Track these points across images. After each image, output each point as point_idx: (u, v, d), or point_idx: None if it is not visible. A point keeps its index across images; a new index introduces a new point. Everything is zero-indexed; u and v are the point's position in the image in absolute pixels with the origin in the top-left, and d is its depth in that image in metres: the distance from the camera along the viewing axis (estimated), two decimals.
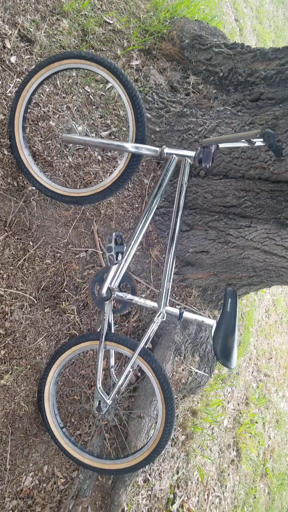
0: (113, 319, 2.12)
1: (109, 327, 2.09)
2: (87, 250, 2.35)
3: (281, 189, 2.33)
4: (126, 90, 1.91)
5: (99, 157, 2.46)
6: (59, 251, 2.23)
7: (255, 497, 5.03)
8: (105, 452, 2.36)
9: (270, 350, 6.12)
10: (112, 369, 2.16)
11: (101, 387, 2.02)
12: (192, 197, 2.63)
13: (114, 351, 2.13)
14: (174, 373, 2.87)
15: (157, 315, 1.97)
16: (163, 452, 3.17)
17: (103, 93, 2.64)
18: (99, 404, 2.02)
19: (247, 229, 2.43)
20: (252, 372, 5.51)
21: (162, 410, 2.00)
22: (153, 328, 2.00)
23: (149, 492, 2.98)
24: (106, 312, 2.04)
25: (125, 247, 1.95)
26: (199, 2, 3.63)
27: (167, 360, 2.66)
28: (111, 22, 2.80)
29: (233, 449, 4.65)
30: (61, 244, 2.25)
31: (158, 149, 1.95)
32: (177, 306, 2.84)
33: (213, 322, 1.95)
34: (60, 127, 2.28)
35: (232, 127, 2.47)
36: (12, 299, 2.05)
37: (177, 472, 3.44)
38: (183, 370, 2.92)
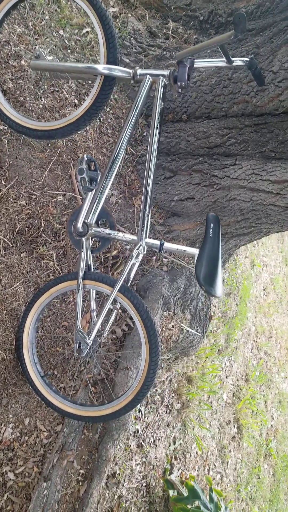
0: (93, 260, 2.01)
1: (88, 267, 1.98)
2: (65, 194, 2.24)
3: (265, 121, 2.22)
4: (95, 10, 1.80)
5: (76, 100, 2.36)
6: (35, 193, 2.13)
7: (259, 477, 4.90)
8: (89, 401, 2.25)
9: (270, 329, 6.00)
10: (93, 313, 2.05)
11: (80, 326, 1.90)
12: (175, 142, 2.53)
13: (95, 291, 2.02)
14: (164, 328, 2.75)
15: (137, 247, 1.86)
16: (157, 418, 3.06)
17: (79, 38, 2.54)
18: (79, 346, 1.91)
19: (232, 167, 2.32)
20: (252, 349, 5.39)
21: (146, 348, 1.89)
22: (133, 261, 1.89)
23: (144, 459, 2.87)
24: (83, 249, 1.93)
25: (99, 175, 1.84)
26: None
27: (154, 313, 2.54)
28: None
29: (234, 426, 4.54)
30: (37, 186, 2.14)
31: (131, 70, 1.84)
32: (163, 260, 2.73)
33: (195, 251, 1.84)
34: (29, 57, 2.18)
35: (213, 57, 2.37)
36: None
37: (174, 443, 3.32)
38: (173, 326, 2.81)
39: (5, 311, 2.00)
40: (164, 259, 2.73)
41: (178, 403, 3.37)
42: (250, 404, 4.78)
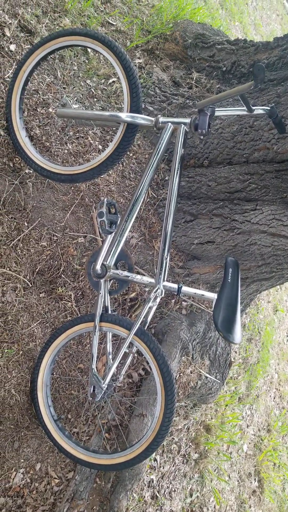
0: (110, 302, 2.00)
1: (106, 309, 1.97)
2: (85, 236, 2.27)
3: (286, 167, 2.23)
4: (120, 61, 1.89)
5: (100, 146, 2.44)
6: (56, 234, 2.16)
7: None
8: (102, 448, 2.18)
9: None
10: (109, 356, 2.02)
11: (95, 370, 1.87)
12: (196, 186, 2.55)
13: (111, 334, 2.00)
14: (181, 374, 2.68)
15: (154, 290, 1.85)
16: (173, 468, 2.94)
17: (105, 88, 2.65)
18: (94, 389, 1.87)
19: (252, 212, 2.32)
20: (274, 398, 5.19)
21: (161, 395, 1.83)
22: (150, 304, 1.87)
23: None
24: (101, 291, 1.93)
25: (119, 218, 1.86)
26: (205, 14, 3.71)
27: (172, 357, 2.49)
28: (114, 23, 2.86)
29: (255, 479, 4.31)
30: (58, 228, 2.18)
31: (153, 118, 1.90)
32: (183, 304, 2.70)
33: (214, 296, 1.81)
34: (56, 105, 2.27)
35: (234, 106, 2.42)
36: (5, 279, 1.97)
37: (191, 495, 3.17)
38: (191, 372, 2.74)
39: (22, 352, 1.99)
40: (183, 302, 2.70)
41: (195, 453, 3.24)
42: (272, 456, 4.55)
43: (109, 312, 1.98)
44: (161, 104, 2.69)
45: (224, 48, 2.85)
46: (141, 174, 2.58)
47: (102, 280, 1.91)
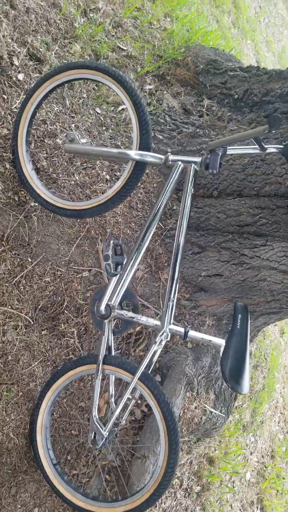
0: (114, 342, 1.94)
1: (109, 350, 1.91)
2: (90, 270, 2.21)
3: None
4: (130, 97, 1.84)
5: (107, 176, 2.38)
6: (60, 269, 2.11)
7: None
8: (102, 495, 2.10)
9: None
10: (111, 399, 1.95)
11: (96, 416, 1.81)
12: (205, 217, 2.49)
13: (114, 376, 1.94)
14: (186, 410, 2.61)
15: (160, 333, 1.79)
16: (175, 503, 2.86)
17: (114, 115, 2.60)
18: (95, 436, 1.80)
19: (262, 248, 2.25)
20: (279, 422, 5.09)
21: (165, 443, 1.76)
22: (155, 349, 1.81)
23: None
24: (105, 332, 1.87)
25: (125, 259, 1.80)
26: (217, 36, 3.67)
27: (177, 394, 2.42)
28: (125, 48, 2.81)
29: (257, 507, 4.21)
30: (63, 262, 2.12)
31: (162, 156, 1.84)
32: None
33: (222, 342, 1.75)
34: (63, 139, 2.23)
35: (246, 144, 2.36)
36: (6, 318, 1.91)
37: None
38: (196, 407, 2.66)
39: (21, 393, 1.93)
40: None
41: (198, 485, 3.15)
42: (275, 483, 4.45)
43: (113, 352, 1.92)
44: (171, 132, 2.63)
45: (236, 75, 2.80)
46: (149, 204, 2.53)
47: (106, 321, 1.86)
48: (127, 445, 2.24)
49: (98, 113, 2.51)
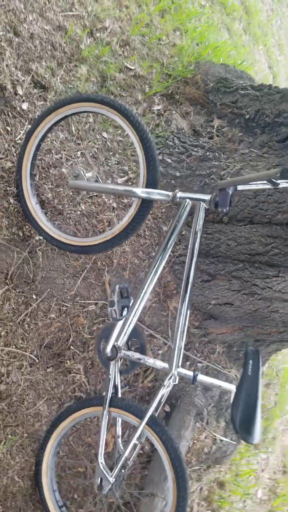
0: (121, 381, 1.89)
1: (115, 391, 1.86)
2: (96, 303, 2.16)
3: None
4: (136, 132, 1.78)
5: (114, 204, 2.32)
6: (66, 304, 2.06)
7: None
8: None
9: None
10: (118, 439, 1.90)
11: (103, 463, 1.76)
12: (215, 244, 2.42)
13: (121, 418, 1.89)
14: (195, 441, 2.55)
15: (168, 377, 1.74)
16: None
17: (121, 139, 2.54)
18: (101, 481, 1.76)
19: (274, 279, 2.18)
20: None
21: (173, 491, 1.71)
22: (163, 392, 1.75)
23: None
24: (111, 373, 1.82)
25: (131, 301, 1.75)
26: (228, 48, 3.57)
27: (186, 426, 2.36)
28: (133, 67, 2.74)
29: None
30: (68, 297, 2.08)
31: (170, 193, 1.78)
32: (197, 365, 2.57)
33: (232, 388, 1.69)
34: (68, 168, 2.18)
35: (257, 169, 2.29)
36: (10, 358, 1.87)
37: None
38: (205, 437, 2.61)
39: (26, 434, 1.90)
40: (198, 363, 2.57)
41: (207, 510, 3.10)
42: (287, 500, 4.37)
43: (119, 392, 1.87)
44: (180, 156, 2.56)
45: (247, 94, 2.71)
46: (157, 230, 2.47)
47: (112, 362, 1.81)
48: (135, 483, 2.19)
49: (104, 138, 2.45)
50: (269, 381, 4.05)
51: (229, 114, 2.77)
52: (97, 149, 2.39)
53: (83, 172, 1.85)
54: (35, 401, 1.94)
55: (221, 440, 2.66)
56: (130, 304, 1.73)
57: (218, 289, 2.40)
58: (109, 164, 2.41)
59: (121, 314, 1.70)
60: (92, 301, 2.15)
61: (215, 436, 2.62)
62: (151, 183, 1.79)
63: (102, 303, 2.18)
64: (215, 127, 2.72)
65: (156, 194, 1.76)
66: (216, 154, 2.52)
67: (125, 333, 1.80)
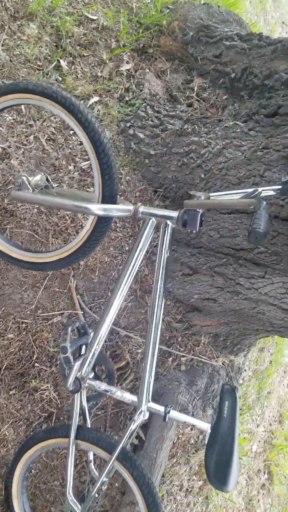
0: (90, 408, 1.74)
1: (84, 419, 1.71)
2: (62, 313, 1.95)
3: None
4: (87, 133, 1.44)
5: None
6: (25, 320, 1.85)
7: None
8: None
9: None
10: (91, 464, 1.79)
11: (71, 496, 1.65)
12: (195, 234, 2.15)
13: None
14: (180, 436, 2.47)
15: (137, 413, 1.57)
16: (175, 506, 2.83)
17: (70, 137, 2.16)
18: None
19: (260, 280, 1.94)
20: None
21: None
22: (132, 428, 1.59)
23: None
24: (76, 404, 1.65)
25: (90, 336, 1.54)
26: None
27: (169, 426, 2.26)
28: (95, 17, 2.28)
29: (264, 473, 4.26)
30: (28, 312, 1.86)
31: (131, 207, 1.48)
32: (182, 360, 2.41)
33: (207, 427, 1.53)
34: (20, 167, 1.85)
35: (242, 151, 1.95)
36: None
37: None
38: (191, 429, 2.52)
39: None
40: (182, 358, 2.41)
41: (199, 481, 3.12)
42: (283, 449, 4.47)
43: (88, 422, 1.72)
44: (154, 130, 2.20)
45: (233, 46, 2.26)
46: (130, 222, 2.19)
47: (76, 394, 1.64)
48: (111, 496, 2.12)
49: (52, 135, 2.08)
50: (263, 345, 3.95)
51: (212, 71, 2.35)
52: (54, 128, 2.04)
53: (27, 180, 1.54)
54: None
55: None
56: (89, 341, 1.52)
57: (201, 285, 2.17)
58: (70, 146, 2.07)
59: (80, 354, 1.50)
60: (57, 312, 1.94)
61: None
62: (108, 195, 1.49)
63: (69, 312, 1.97)
64: (195, 89, 2.31)
65: (115, 210, 1.47)
66: (196, 126, 2.15)
67: (89, 364, 1.60)
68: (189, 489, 3.01)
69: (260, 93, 2.16)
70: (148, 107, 2.25)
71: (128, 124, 2.24)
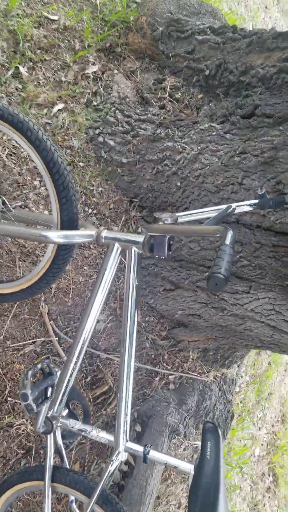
0: (66, 447, 1.60)
1: (61, 459, 1.58)
2: (35, 341, 1.81)
3: (287, 245, 1.66)
4: (39, 153, 1.29)
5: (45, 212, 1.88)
6: None
7: None
8: None
9: None
10: (72, 504, 1.66)
11: None
12: (176, 246, 2.01)
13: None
14: (174, 456, 2.34)
15: (115, 454, 1.43)
16: None
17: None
18: None
19: (245, 295, 1.79)
20: None
21: None
22: (111, 469, 1.46)
23: None
24: (49, 444, 1.51)
25: (57, 372, 1.40)
26: None
27: (159, 449, 2.13)
28: (56, 18, 2.12)
29: (269, 475, 4.16)
30: None
31: (93, 232, 1.33)
32: (170, 379, 2.28)
33: (190, 469, 1.38)
34: None
35: (219, 156, 1.79)
36: None
37: None
38: (185, 449, 2.40)
39: None
40: (169, 376, 2.27)
41: None
42: (287, 450, 4.37)
43: (65, 461, 1.59)
44: (125, 136, 2.04)
45: (206, 40, 2.10)
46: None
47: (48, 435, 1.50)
48: None
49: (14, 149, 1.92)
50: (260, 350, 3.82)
51: (185, 69, 2.19)
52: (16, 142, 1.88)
53: None
54: None
55: None
56: (56, 381, 1.38)
57: (184, 300, 2.03)
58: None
59: (46, 397, 1.36)
60: (28, 341, 1.79)
61: (195, 444, 2.41)
62: (67, 220, 1.34)
63: (42, 340, 1.83)
64: (168, 89, 2.15)
65: (76, 236, 1.31)
66: (169, 130, 2.00)
67: (61, 401, 1.46)
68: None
69: (236, 90, 2.00)
70: (118, 111, 2.09)
71: (97, 131, 2.08)
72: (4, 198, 1.46)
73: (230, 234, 0.93)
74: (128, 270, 1.32)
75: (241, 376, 3.48)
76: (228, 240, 0.90)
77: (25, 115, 1.29)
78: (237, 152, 1.72)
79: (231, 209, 1.28)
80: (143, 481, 2.05)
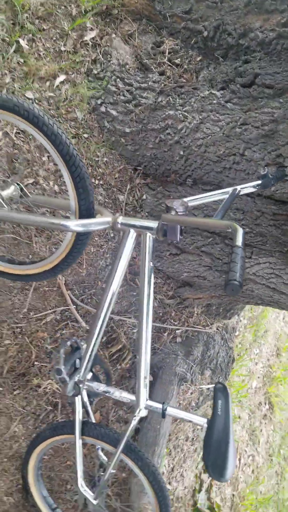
0: (91, 402, 1.80)
1: (88, 415, 1.78)
2: (55, 311, 1.97)
3: (287, 213, 1.77)
4: (55, 147, 1.36)
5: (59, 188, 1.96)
6: (20, 324, 1.87)
7: None
8: None
9: None
10: (98, 450, 1.90)
11: (83, 486, 1.77)
12: None
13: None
14: (181, 401, 2.60)
15: (136, 411, 1.63)
16: (182, 455, 3.03)
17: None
18: (85, 501, 1.79)
19: (247, 260, 1.93)
20: (284, 318, 5.20)
21: (155, 507, 1.75)
22: (134, 424, 1.67)
23: (171, 497, 2.90)
24: (77, 403, 1.71)
25: (83, 346, 1.57)
26: None
27: (169, 397, 2.36)
28: None
29: (265, 404, 4.53)
30: (21, 316, 1.87)
31: (110, 219, 1.44)
32: (177, 333, 2.47)
33: (203, 422, 1.59)
34: None
35: (220, 126, 1.85)
36: None
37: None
38: (192, 393, 2.65)
39: (6, 459, 1.89)
40: (177, 331, 2.46)
41: None
42: (282, 381, 4.72)
43: (92, 417, 1.80)
44: (127, 105, 2.07)
45: None
46: (112, 205, 2.13)
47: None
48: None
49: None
50: None
51: (182, 30, 2.16)
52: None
53: (2, 196, 1.48)
54: (8, 425, 1.89)
55: (208, 388, 2.71)
56: (83, 354, 1.54)
57: (189, 264, 2.17)
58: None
59: (75, 368, 1.53)
60: (49, 311, 1.95)
61: (201, 388, 2.66)
62: (85, 209, 1.43)
63: (61, 309, 1.98)
64: (167, 53, 2.14)
65: (93, 224, 1.41)
66: (170, 98, 2.02)
67: (86, 367, 1.64)
68: (195, 438, 3.20)
69: (235, 53, 2.01)
70: (118, 79, 2.10)
71: (99, 101, 2.10)
72: (22, 185, 1.54)
73: (241, 232, 1.04)
74: (143, 254, 1.44)
75: (240, 321, 3.71)
76: (239, 241, 1.01)
77: (40, 109, 1.34)
78: (238, 123, 1.77)
79: (236, 191, 1.38)
80: (157, 425, 2.30)
